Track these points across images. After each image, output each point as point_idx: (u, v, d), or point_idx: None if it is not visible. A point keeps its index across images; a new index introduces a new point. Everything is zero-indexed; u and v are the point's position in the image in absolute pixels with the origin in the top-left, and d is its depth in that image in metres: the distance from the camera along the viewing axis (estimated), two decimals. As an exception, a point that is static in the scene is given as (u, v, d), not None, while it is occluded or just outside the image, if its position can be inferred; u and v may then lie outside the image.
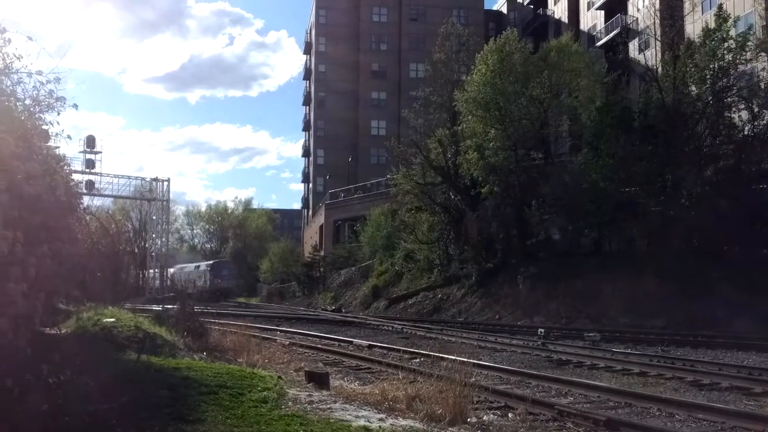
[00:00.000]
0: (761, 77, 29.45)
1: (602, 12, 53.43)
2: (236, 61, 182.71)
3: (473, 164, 34.00)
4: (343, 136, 70.59)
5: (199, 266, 67.31)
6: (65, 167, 9.18)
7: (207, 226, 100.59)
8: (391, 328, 25.10)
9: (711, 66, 28.73)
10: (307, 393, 9.21)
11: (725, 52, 28.56)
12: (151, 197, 53.52)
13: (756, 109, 28.95)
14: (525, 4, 71.67)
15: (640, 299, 25.15)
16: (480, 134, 33.78)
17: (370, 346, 17.46)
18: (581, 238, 32.31)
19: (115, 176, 51.46)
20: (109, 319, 12.30)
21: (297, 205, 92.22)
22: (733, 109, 29.59)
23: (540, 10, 67.00)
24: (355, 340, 18.93)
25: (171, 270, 64.27)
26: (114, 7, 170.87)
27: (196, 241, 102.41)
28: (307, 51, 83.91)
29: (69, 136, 8.19)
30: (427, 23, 67.64)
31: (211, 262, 67.07)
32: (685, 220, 27.91)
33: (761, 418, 8.40)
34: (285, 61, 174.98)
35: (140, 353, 9.58)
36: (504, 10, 75.90)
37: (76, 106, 7.69)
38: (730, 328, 21.42)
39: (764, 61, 29.48)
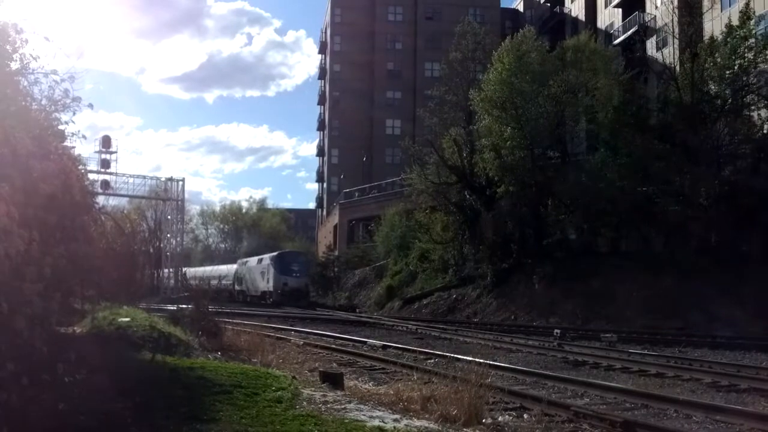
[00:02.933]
0: (781, 75, 29.12)
1: (620, 10, 52.98)
2: (254, 61, 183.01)
3: (489, 163, 33.86)
4: (358, 136, 70.49)
5: (261, 260, 53.34)
6: (81, 167, 9.23)
7: (221, 226, 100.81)
8: (405, 329, 25.05)
9: (731, 64, 28.44)
10: (321, 393, 9.20)
11: (746, 50, 28.27)
12: (165, 197, 53.66)
13: (775, 108, 28.65)
14: (542, 2, 71.26)
15: (657, 300, 24.93)
16: (496, 133, 33.62)
17: (384, 347, 17.42)
18: (598, 238, 32.10)
19: (131, 176, 51.59)
20: (124, 319, 12.35)
21: (312, 205, 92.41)
22: (752, 107, 29.29)
23: (557, 8, 66.56)
24: (370, 341, 18.89)
25: (233, 266, 59.78)
26: (132, 7, 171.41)
27: (211, 240, 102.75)
28: (322, 50, 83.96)
29: (84, 136, 8.24)
30: (442, 22, 67.40)
31: (275, 254, 52.75)
32: (702, 220, 27.66)
33: (781, 420, 8.29)
34: (303, 61, 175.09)
35: (155, 353, 9.61)
36: (520, 8, 75.51)
37: (91, 105, 7.74)
38: (749, 329, 21.20)
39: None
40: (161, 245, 57.03)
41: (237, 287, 56.79)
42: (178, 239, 56.18)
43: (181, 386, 8.08)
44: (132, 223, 47.80)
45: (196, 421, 6.75)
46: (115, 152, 50.37)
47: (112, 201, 50.03)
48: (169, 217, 54.99)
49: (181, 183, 53.75)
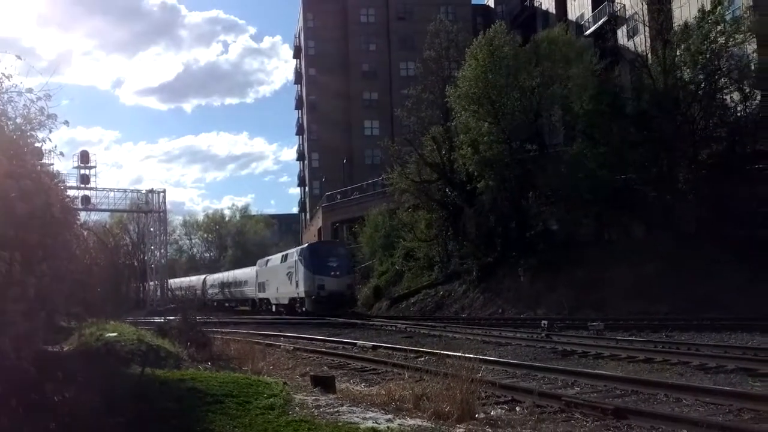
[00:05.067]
0: (751, 58, 29.47)
1: (589, 1, 53.36)
2: (231, 69, 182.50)
3: (468, 159, 34.00)
4: (337, 138, 70.47)
5: (286, 257, 42.25)
6: (60, 184, 9.16)
7: (205, 236, 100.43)
8: (394, 328, 25.08)
9: (704, 49, 28.73)
10: (313, 397, 9.19)
11: (718, 34, 28.57)
12: (147, 209, 53.41)
13: (747, 90, 28.97)
14: (512, -4, 71.72)
15: (641, 286, 25.16)
16: (473, 129, 33.76)
17: (374, 347, 17.43)
18: (580, 228, 32.30)
19: (111, 190, 51.46)
20: (111, 334, 12.26)
21: (296, 210, 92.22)
22: (725, 91, 29.60)
23: (527, 2, 66.87)
24: (359, 342, 18.89)
25: (254, 269, 50.25)
26: (106, 21, 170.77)
27: (195, 251, 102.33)
28: (296, 55, 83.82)
29: (62, 153, 8.19)
30: (414, 21, 67.56)
31: (303, 246, 42.12)
32: (682, 205, 27.93)
33: (769, 398, 8.39)
34: (280, 66, 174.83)
35: (144, 366, 9.56)
36: (491, 4, 75.84)
37: (67, 122, 7.68)
38: (734, 310, 21.44)
39: (753, 42, 29.48)
40: (145, 258, 56.65)
41: (259, 294, 47.28)
42: (162, 251, 55.92)
43: (172, 399, 8.04)
44: (114, 237, 47.45)
45: (188, 432, 6.74)
46: (94, 167, 50.31)
47: (94, 216, 49.64)
48: (151, 229, 54.72)
49: (162, 194, 53.53)
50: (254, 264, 51.72)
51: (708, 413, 8.18)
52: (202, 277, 66.74)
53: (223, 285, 58.86)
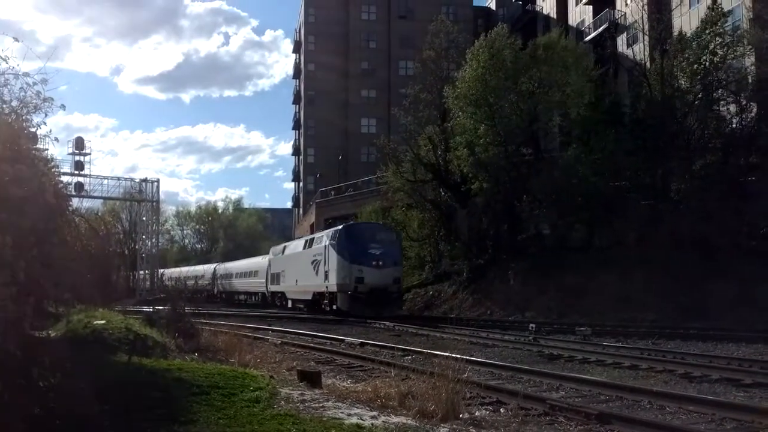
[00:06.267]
0: (749, 71, 29.62)
1: (590, 7, 53.44)
2: (231, 61, 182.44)
3: (463, 161, 34.06)
4: (333, 135, 70.42)
5: (312, 241, 35.11)
6: (54, 169, 9.15)
7: (197, 227, 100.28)
8: (383, 326, 25.09)
9: (702, 60, 28.86)
10: (299, 392, 9.22)
11: (718, 46, 28.69)
12: (140, 198, 53.32)
13: (744, 102, 29.13)
14: (513, 0, 71.77)
15: (630, 293, 25.26)
16: (470, 131, 33.81)
17: (362, 344, 17.47)
18: (571, 233, 32.41)
19: (105, 178, 51.40)
20: (99, 322, 12.27)
21: (289, 204, 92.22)
22: (722, 102, 29.75)
23: (528, 6, 66.99)
24: (347, 338, 18.92)
25: (265, 259, 45.07)
26: (107, 7, 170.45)
27: (187, 241, 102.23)
28: (296, 50, 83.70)
29: (56, 138, 8.18)
30: (415, 20, 67.51)
31: (339, 228, 32.82)
32: (674, 214, 28.04)
33: (751, 409, 8.46)
34: (281, 61, 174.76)
35: (131, 355, 9.57)
36: (493, 6, 75.89)
37: (63, 107, 7.67)
38: (721, 320, 21.55)
39: (752, 55, 29.64)
40: (136, 247, 56.60)
41: (272, 287, 41.97)
42: (154, 240, 55.80)
43: (158, 388, 8.06)
44: (106, 225, 47.34)
45: (173, 422, 6.75)
46: (89, 154, 50.26)
47: (87, 203, 49.62)
48: (144, 218, 54.64)
49: (155, 184, 53.45)
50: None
51: (691, 422, 8.24)
52: (212, 266, 62.96)
53: (232, 276, 55.25)
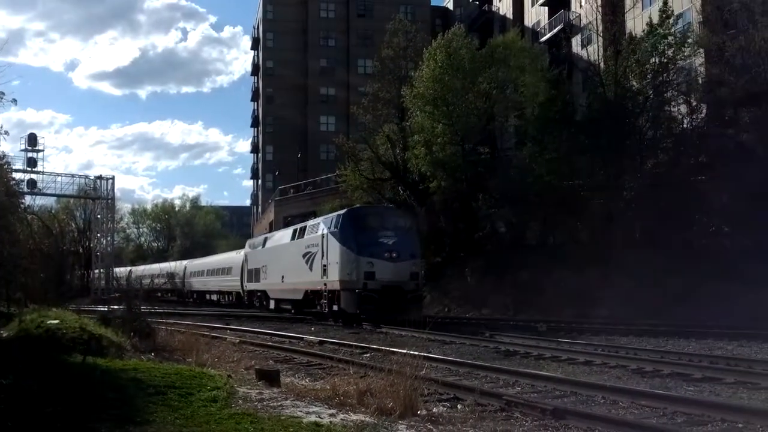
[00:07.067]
0: (699, 72, 30.36)
1: (546, 8, 54.07)
2: (189, 57, 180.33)
3: (421, 159, 34.25)
4: (292, 132, 70.06)
5: (304, 230, 29.48)
6: (5, 166, 8.97)
7: (153, 225, 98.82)
8: (342, 324, 25.06)
9: (652, 61, 29.49)
10: (257, 391, 9.18)
11: (666, 47, 29.34)
12: (95, 196, 52.28)
13: (694, 103, 29.86)
14: (471, 0, 72.22)
15: (584, 290, 25.69)
16: (428, 130, 34.04)
17: (321, 342, 17.44)
18: (527, 231, 32.85)
19: (59, 175, 50.27)
20: (53, 321, 12.05)
21: (249, 202, 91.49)
22: (673, 103, 30.44)
23: (485, 7, 67.46)
24: (306, 337, 18.86)
25: (239, 254, 40.58)
26: (61, 1, 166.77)
27: (143, 239, 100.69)
28: (254, 47, 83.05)
29: (7, 132, 8.03)
30: (374, 19, 67.55)
31: (342, 212, 27.05)
32: (626, 213, 28.60)
33: (700, 402, 8.66)
34: (240, 57, 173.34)
35: (86, 355, 9.43)
36: (450, 6, 76.24)
37: (15, 101, 7.57)
38: (671, 316, 22.05)
39: (702, 57, 30.39)
40: (91, 245, 55.51)
41: (249, 285, 36.89)
42: (109, 239, 54.75)
43: (113, 388, 7.96)
44: (60, 223, 46.42)
45: (129, 423, 6.67)
46: (43, 150, 49.27)
47: (40, 201, 48.55)
48: (99, 216, 53.56)
49: (111, 181, 52.48)
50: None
51: (643, 416, 8.36)
52: (183, 263, 58.25)
53: (203, 273, 51.03)
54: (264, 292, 34.12)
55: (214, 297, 48.03)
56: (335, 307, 25.18)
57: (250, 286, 36.49)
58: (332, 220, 26.46)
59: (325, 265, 25.65)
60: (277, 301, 32.19)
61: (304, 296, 28.23)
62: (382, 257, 23.99)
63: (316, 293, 27.05)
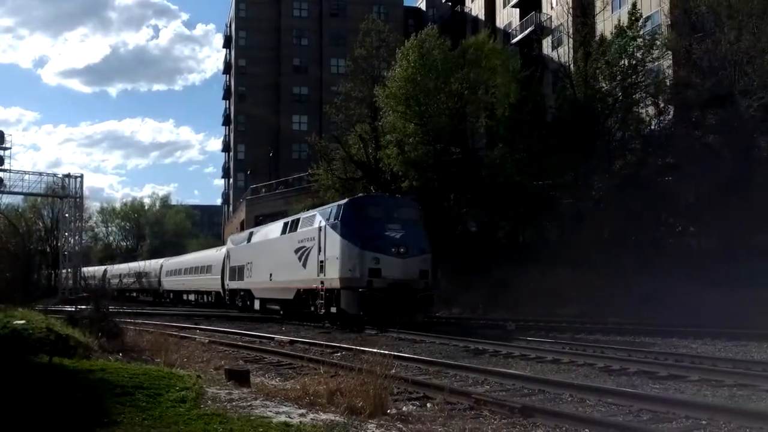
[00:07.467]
0: (666, 74, 30.82)
1: (517, 10, 54.47)
2: (161, 54, 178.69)
3: (393, 159, 34.34)
4: (264, 131, 69.79)
5: (296, 223, 27.10)
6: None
7: (122, 224, 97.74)
8: (312, 324, 25.01)
9: (621, 63, 29.88)
10: (227, 391, 9.14)
11: (635, 49, 29.74)
12: (63, 194, 51.58)
13: (662, 105, 30.31)
14: (443, 1, 72.46)
15: (553, 289, 25.96)
16: (400, 129, 34.13)
17: (291, 342, 17.39)
18: (497, 231, 33.09)
19: (26, 173, 49.51)
20: (19, 322, 11.88)
21: (220, 201, 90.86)
22: (641, 104, 30.86)
23: (457, 8, 67.76)
24: (277, 336, 18.79)
25: (221, 251, 38.97)
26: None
27: (112, 239, 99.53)
28: (227, 45, 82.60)
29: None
30: (347, 19, 67.62)
31: (343, 202, 24.33)
32: (595, 212, 28.94)
33: (666, 400, 8.79)
34: (212, 55, 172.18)
35: (52, 356, 9.32)
36: (423, 6, 76.53)
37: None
38: (638, 315, 22.36)
39: (669, 59, 30.86)
40: (59, 244, 54.74)
41: (231, 284, 34.39)
42: (77, 238, 54.03)
43: (80, 389, 7.88)
44: (27, 222, 45.77)
45: (96, 425, 6.61)
46: (10, 148, 48.63)
47: (6, 199, 47.83)
48: (66, 215, 52.84)
49: (79, 179, 51.82)
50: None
51: (609, 413, 8.45)
52: (159, 261, 56.08)
53: (181, 272, 48.80)
54: (248, 292, 31.65)
55: (192, 297, 46.10)
56: (333, 309, 22.67)
57: (233, 285, 33.97)
58: (331, 211, 23.95)
59: (322, 262, 23.27)
60: (264, 301, 29.64)
61: (295, 296, 25.64)
62: (389, 252, 21.54)
63: (310, 293, 24.41)
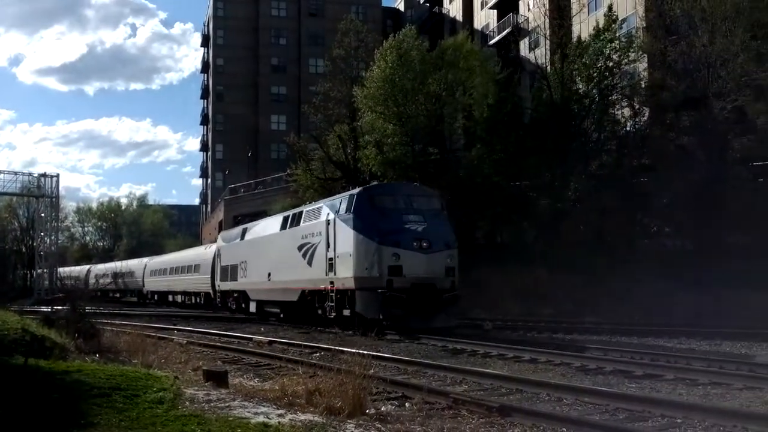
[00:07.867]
0: (642, 76, 31.17)
1: (495, 11, 54.73)
2: (138, 53, 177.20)
3: (372, 159, 34.38)
4: (243, 131, 69.50)
5: (299, 216, 24.28)
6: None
7: (99, 224, 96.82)
8: (291, 324, 24.94)
9: (598, 65, 30.17)
10: (205, 392, 9.11)
11: (612, 52, 30.05)
12: (39, 194, 51.09)
13: (637, 107, 30.65)
14: (421, 2, 72.63)
15: (530, 289, 26.16)
16: (378, 130, 34.19)
17: (270, 342, 17.36)
18: (475, 231, 33.24)
19: (1, 172, 49.16)
20: (-7, 323, 11.76)
21: (198, 201, 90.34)
22: (617, 106, 31.18)
23: (435, 9, 67.98)
24: (255, 337, 18.74)
25: (210, 249, 37.08)
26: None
27: (88, 239, 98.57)
28: (205, 44, 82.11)
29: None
30: (326, 18, 67.55)
31: (356, 191, 21.23)
32: (572, 213, 29.19)
33: (641, 399, 8.90)
34: (190, 54, 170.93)
35: (28, 357, 9.24)
36: (401, 7, 76.62)
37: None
38: (614, 314, 22.59)
39: (645, 61, 31.22)
40: (34, 244, 54.16)
41: (222, 285, 31.96)
42: (53, 238, 53.50)
43: (56, 391, 7.82)
44: (2, 222, 45.20)
45: (72, 426, 6.57)
46: (-16, 148, 47.80)
47: (-20, 199, 47.18)
48: (42, 214, 52.34)
49: (55, 179, 51.40)
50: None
51: (586, 412, 8.52)
52: (144, 261, 54.14)
53: (166, 272, 46.71)
54: (243, 293, 28.98)
55: (179, 298, 43.80)
56: (346, 312, 20.13)
57: (225, 285, 31.37)
58: (341, 201, 21.17)
59: (331, 259, 20.70)
60: (261, 303, 27.11)
61: (300, 298, 23.14)
62: (410, 247, 19.03)
63: (317, 294, 22.01)
